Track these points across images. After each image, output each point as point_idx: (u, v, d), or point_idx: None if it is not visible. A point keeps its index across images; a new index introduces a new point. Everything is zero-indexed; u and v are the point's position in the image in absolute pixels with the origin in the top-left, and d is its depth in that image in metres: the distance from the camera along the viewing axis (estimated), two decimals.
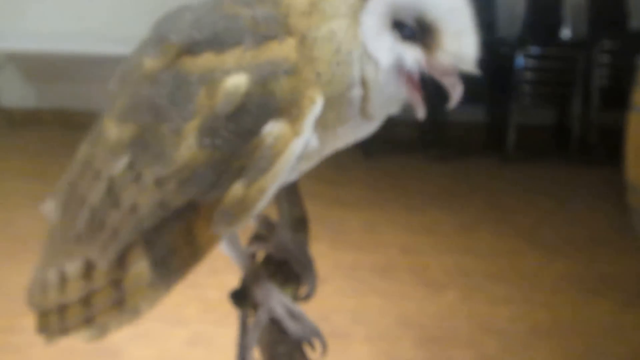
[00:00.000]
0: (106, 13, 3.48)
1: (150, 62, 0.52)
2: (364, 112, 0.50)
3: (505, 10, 3.50)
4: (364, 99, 0.49)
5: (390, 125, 0.58)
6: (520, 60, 3.24)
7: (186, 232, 0.50)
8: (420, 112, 0.52)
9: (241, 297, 0.60)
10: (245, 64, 0.47)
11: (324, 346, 0.58)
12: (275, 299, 0.58)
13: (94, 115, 0.60)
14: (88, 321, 0.55)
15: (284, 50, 0.47)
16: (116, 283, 0.53)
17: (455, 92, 0.50)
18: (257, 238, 0.68)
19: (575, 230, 2.59)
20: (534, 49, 3.25)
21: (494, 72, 3.34)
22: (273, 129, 0.46)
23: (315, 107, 0.47)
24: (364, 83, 0.48)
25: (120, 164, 0.51)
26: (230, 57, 0.47)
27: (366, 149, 3.31)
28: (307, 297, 0.64)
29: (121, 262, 0.52)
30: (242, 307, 0.61)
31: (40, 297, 0.58)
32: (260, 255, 0.67)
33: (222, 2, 0.51)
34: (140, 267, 0.52)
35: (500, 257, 2.35)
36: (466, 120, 3.63)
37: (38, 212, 0.62)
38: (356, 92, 0.49)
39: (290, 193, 0.70)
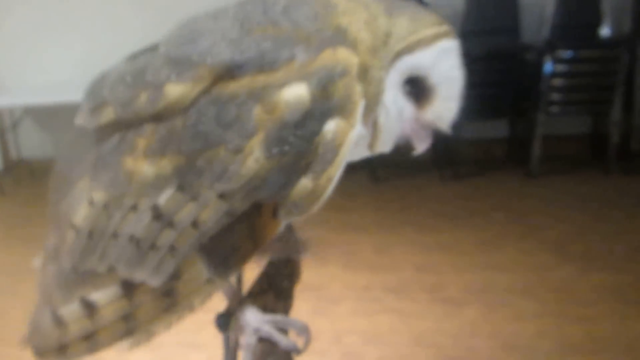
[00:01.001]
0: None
1: (179, 89, 0.56)
2: (371, 148, 0.61)
3: (530, 15, 3.44)
4: (374, 137, 0.60)
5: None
6: (548, 66, 3.16)
7: (249, 229, 0.57)
8: (420, 148, 0.63)
9: (225, 322, 0.68)
10: (302, 74, 0.54)
11: (308, 342, 0.65)
12: (260, 320, 0.65)
13: None
14: (131, 332, 0.60)
15: (337, 56, 0.55)
16: (167, 292, 0.59)
17: (421, 146, 0.62)
18: None
19: (614, 242, 2.52)
20: (565, 53, 3.17)
21: (518, 81, 3.28)
22: (332, 126, 0.54)
23: (362, 100, 0.55)
24: (375, 125, 0.59)
25: (166, 193, 0.57)
26: (283, 72, 0.55)
27: (373, 174, 3.33)
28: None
29: (174, 273, 0.58)
30: (225, 331, 0.68)
31: (55, 334, 0.62)
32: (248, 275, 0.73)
33: (251, 27, 0.57)
34: (195, 271, 0.58)
35: (526, 271, 2.30)
36: (484, 137, 3.60)
37: None
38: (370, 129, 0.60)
39: None
